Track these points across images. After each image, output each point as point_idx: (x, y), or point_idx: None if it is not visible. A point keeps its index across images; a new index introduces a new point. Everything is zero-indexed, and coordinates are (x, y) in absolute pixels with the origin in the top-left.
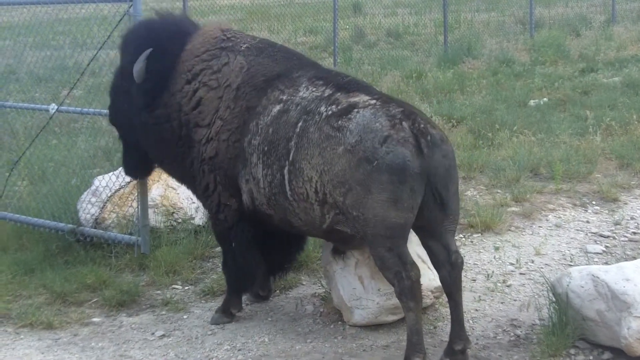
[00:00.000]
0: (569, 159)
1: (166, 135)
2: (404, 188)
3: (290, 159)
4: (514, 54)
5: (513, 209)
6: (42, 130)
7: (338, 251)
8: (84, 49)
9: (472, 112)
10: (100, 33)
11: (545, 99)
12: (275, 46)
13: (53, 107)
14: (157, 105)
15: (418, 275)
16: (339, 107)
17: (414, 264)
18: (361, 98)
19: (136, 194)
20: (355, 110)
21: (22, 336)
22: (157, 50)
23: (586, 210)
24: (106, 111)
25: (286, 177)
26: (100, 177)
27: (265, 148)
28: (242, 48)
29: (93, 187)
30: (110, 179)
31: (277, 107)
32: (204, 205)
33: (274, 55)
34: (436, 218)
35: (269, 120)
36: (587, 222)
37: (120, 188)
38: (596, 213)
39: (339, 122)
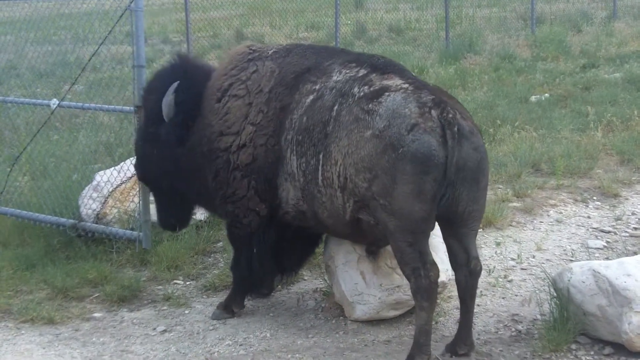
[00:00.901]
0: (570, 154)
1: (199, 160)
2: (427, 179)
3: (326, 143)
4: (516, 50)
5: (514, 204)
6: (43, 126)
7: (371, 251)
8: (85, 44)
9: (473, 108)
10: (102, 28)
11: (546, 94)
12: (304, 45)
13: (54, 102)
14: (190, 135)
15: (437, 276)
16: (371, 89)
17: (434, 264)
18: (395, 81)
19: (137, 189)
20: (387, 93)
21: (23, 331)
22: (184, 82)
23: (587, 206)
24: (107, 107)
25: (320, 161)
26: (101, 173)
27: (299, 137)
28: (269, 53)
29: (94, 183)
30: (111, 174)
31: (310, 97)
32: (224, 211)
33: (302, 53)
34: (464, 213)
35: (302, 111)
36: (588, 217)
37: (121, 183)
38: (597, 208)
39: (370, 105)
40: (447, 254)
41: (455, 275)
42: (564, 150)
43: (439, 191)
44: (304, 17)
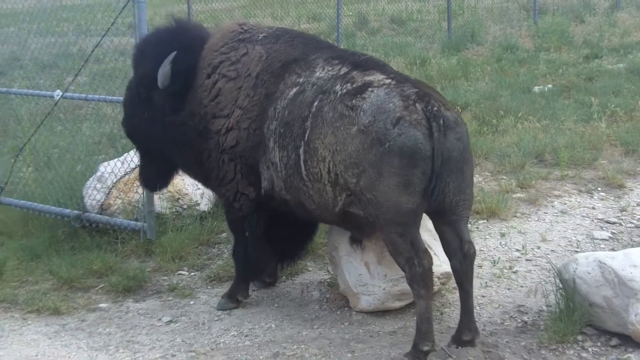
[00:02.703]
0: (574, 145)
1: (190, 134)
2: (415, 172)
3: (306, 138)
4: (518, 41)
5: (518, 195)
6: (47, 117)
7: (355, 239)
8: (88, 35)
9: (476, 99)
10: (104, 20)
11: (549, 85)
12: (293, 32)
13: (58, 93)
14: (183, 106)
15: (430, 263)
16: (353, 86)
17: (426, 251)
18: (376, 77)
19: None
20: (370, 89)
21: (29, 322)
22: (181, 53)
23: (592, 197)
24: (111, 98)
25: (301, 157)
26: (105, 164)
27: (281, 130)
28: (260, 37)
29: (98, 174)
30: (115, 165)
31: (294, 90)
32: (219, 194)
33: (291, 41)
34: (451, 203)
35: (285, 103)
36: (593, 208)
37: (125, 174)
38: (602, 199)
39: (353, 101)
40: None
41: (450, 262)
42: (568, 141)
43: (427, 183)
44: (306, 8)
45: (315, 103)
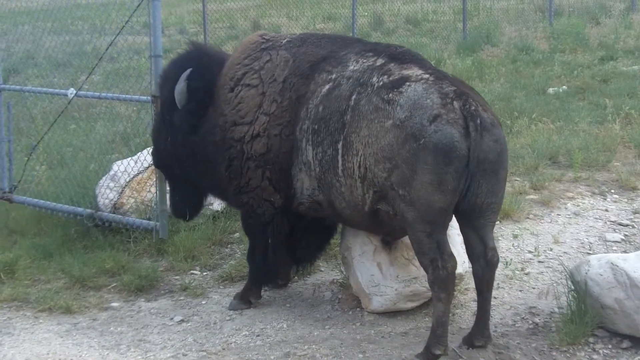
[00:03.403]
0: (588, 147)
1: (209, 149)
2: (449, 170)
3: (345, 132)
4: (533, 42)
5: (532, 196)
6: (60, 115)
7: (387, 242)
8: (102, 34)
9: (490, 100)
10: (119, 18)
11: (564, 87)
12: (318, 35)
13: (72, 91)
14: (203, 123)
15: (454, 267)
16: (390, 79)
17: (452, 255)
18: (414, 71)
19: (154, 179)
20: (407, 83)
21: (41, 320)
22: (197, 70)
23: (605, 199)
24: (124, 96)
25: (340, 151)
26: (118, 162)
27: (315, 127)
28: (283, 43)
29: (111, 172)
30: (128, 164)
31: (327, 86)
32: (239, 202)
33: (317, 42)
34: (482, 205)
35: (318, 100)
36: (606, 210)
37: (138, 173)
38: (615, 201)
39: (390, 95)
40: (464, 246)
41: (472, 266)
42: (582, 142)
43: (460, 183)
44: (321, 8)
45: (354, 96)
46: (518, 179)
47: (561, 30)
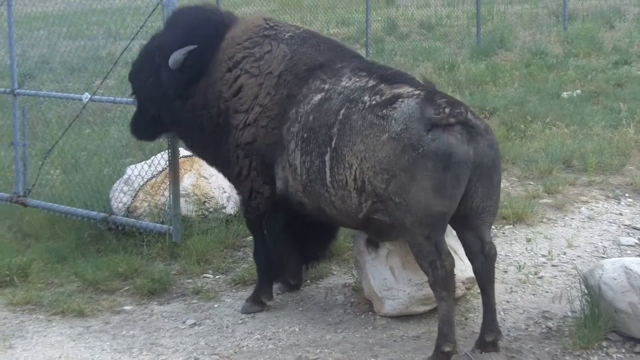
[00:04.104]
0: (602, 151)
1: (202, 121)
2: (448, 175)
3: (333, 145)
4: (547, 46)
5: (545, 200)
6: (75, 119)
7: (371, 242)
8: (117, 39)
9: (504, 104)
10: (134, 23)
11: (578, 91)
12: (319, 36)
13: (86, 96)
14: (192, 94)
15: (452, 266)
16: (383, 98)
17: (449, 253)
18: (405, 89)
19: (168, 183)
20: (400, 100)
21: (53, 323)
22: (199, 49)
23: (619, 203)
24: None
25: (327, 163)
26: (132, 166)
27: (305, 135)
28: (286, 37)
29: (125, 176)
30: (142, 168)
31: (319, 96)
32: (238, 191)
33: (317, 45)
34: (478, 208)
35: (310, 108)
36: (620, 214)
37: (152, 177)
38: (629, 205)
39: (384, 111)
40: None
41: (473, 265)
42: (596, 146)
43: (458, 188)
44: (335, 13)
45: (342, 111)
46: (532, 182)
47: (575, 34)
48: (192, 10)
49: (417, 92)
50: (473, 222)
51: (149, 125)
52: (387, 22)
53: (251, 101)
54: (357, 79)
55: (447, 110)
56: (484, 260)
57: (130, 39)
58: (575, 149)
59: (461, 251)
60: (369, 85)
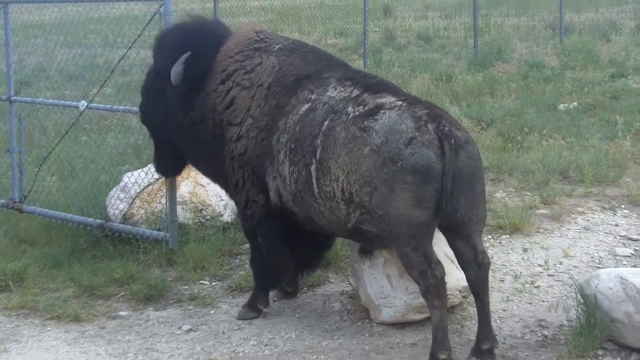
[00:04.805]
0: (599, 162)
1: (201, 136)
2: (427, 188)
3: (318, 157)
4: (544, 59)
5: (542, 211)
6: (72, 126)
7: (365, 250)
8: (114, 47)
9: (501, 115)
10: (131, 32)
11: (574, 103)
12: (307, 47)
13: (83, 103)
14: (193, 106)
15: (443, 274)
16: (365, 108)
17: (438, 262)
18: (388, 99)
19: (165, 191)
20: (382, 111)
21: (49, 328)
22: (194, 54)
23: (615, 214)
24: (136, 109)
25: (313, 174)
26: (129, 174)
27: (292, 145)
28: (275, 49)
29: (122, 184)
30: (139, 175)
31: (306, 106)
32: (234, 201)
33: (305, 55)
34: (463, 218)
35: (297, 118)
36: (616, 225)
37: (149, 184)
38: (625, 216)
39: (365, 122)
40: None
41: (466, 274)
42: (592, 158)
43: (439, 200)
44: (333, 23)
45: (326, 122)
46: (529, 193)
47: (572, 47)
48: (177, 28)
49: (399, 102)
50: (462, 230)
51: (170, 158)
52: (384, 33)
53: (244, 114)
54: (342, 89)
55: (427, 124)
56: (477, 269)
57: (127, 47)
58: (572, 161)
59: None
60: (353, 95)
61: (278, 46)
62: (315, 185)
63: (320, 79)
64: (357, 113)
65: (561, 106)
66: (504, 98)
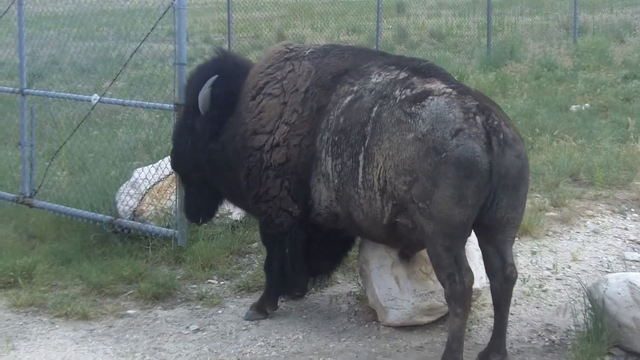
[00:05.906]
0: (609, 165)
1: (229, 156)
2: (469, 184)
3: (366, 144)
4: (557, 59)
5: (551, 213)
6: (83, 121)
7: (405, 255)
8: (127, 41)
9: (513, 116)
10: (144, 25)
11: (587, 104)
12: (342, 47)
13: (95, 97)
14: (224, 130)
15: (471, 282)
16: (413, 92)
17: (469, 270)
18: (437, 85)
19: (175, 187)
20: (430, 97)
21: (57, 326)
22: (222, 76)
23: (625, 218)
24: (147, 103)
25: (361, 163)
26: (139, 170)
27: (335, 138)
28: (306, 53)
29: (132, 179)
30: (149, 171)
31: (348, 98)
32: (257, 211)
33: (340, 54)
34: (502, 219)
35: (339, 112)
36: (626, 229)
37: (159, 181)
38: (635, 220)
39: (412, 108)
40: (482, 261)
41: (490, 282)
42: (603, 160)
43: (480, 197)
44: (346, 20)
45: (375, 108)
46: (538, 195)
47: (585, 47)
48: (201, 65)
49: (449, 90)
50: (496, 236)
51: (201, 201)
52: (397, 30)
53: (275, 121)
54: (387, 73)
55: (476, 116)
56: (503, 282)
57: (140, 41)
58: (583, 163)
59: (475, 260)
60: (400, 77)
61: (309, 50)
62: (360, 174)
63: (359, 70)
64: (403, 96)
65: (573, 107)
66: (516, 98)
